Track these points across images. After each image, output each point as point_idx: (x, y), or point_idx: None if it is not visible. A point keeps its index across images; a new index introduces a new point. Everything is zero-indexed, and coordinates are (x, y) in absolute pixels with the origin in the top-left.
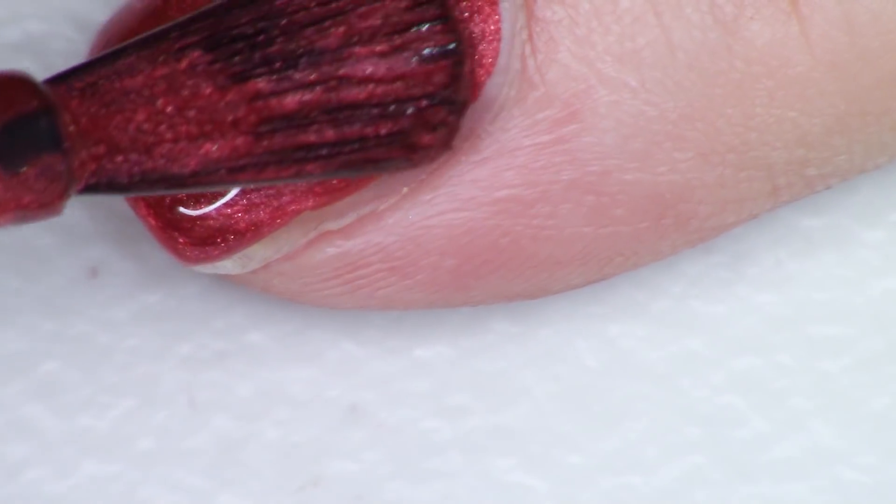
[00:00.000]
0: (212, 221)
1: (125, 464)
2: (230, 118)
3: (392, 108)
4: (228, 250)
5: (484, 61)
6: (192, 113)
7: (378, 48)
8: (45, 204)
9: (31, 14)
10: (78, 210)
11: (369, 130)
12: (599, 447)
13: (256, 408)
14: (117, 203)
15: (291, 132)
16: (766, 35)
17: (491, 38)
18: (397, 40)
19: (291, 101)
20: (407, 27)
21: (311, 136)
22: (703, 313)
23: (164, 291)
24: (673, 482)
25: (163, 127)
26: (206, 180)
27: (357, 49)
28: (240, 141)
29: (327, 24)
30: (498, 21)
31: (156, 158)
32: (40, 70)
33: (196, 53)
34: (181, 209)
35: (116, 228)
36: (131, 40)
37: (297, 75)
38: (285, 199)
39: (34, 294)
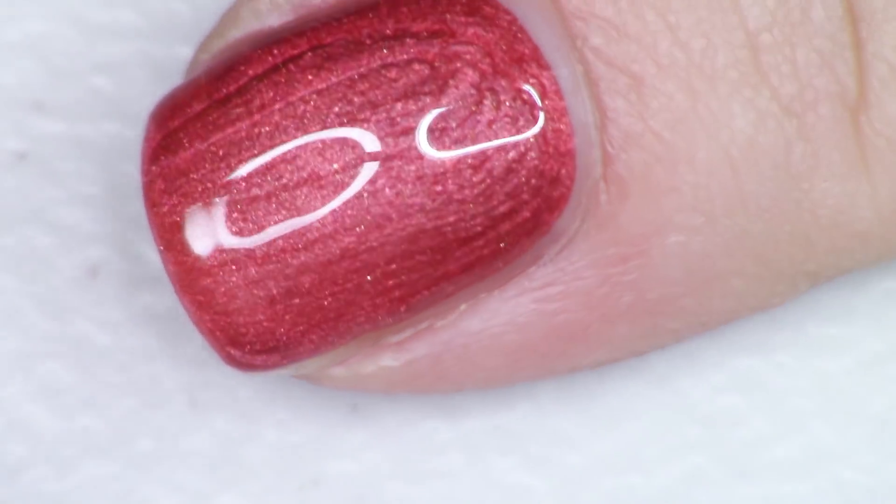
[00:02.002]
0: (274, 341)
1: (125, 464)
2: None
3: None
4: (283, 364)
5: (556, 199)
6: None
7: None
8: None
9: (31, 14)
10: (78, 210)
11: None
12: (599, 447)
13: (256, 408)
14: (117, 204)
15: None
16: (837, 194)
17: (565, 178)
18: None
19: None
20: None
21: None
22: None
23: (165, 291)
24: (673, 482)
25: None
26: None
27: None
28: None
29: None
30: (572, 163)
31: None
32: (40, 70)
33: None
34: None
35: (116, 229)
36: None
37: None
38: (349, 321)
39: (34, 294)
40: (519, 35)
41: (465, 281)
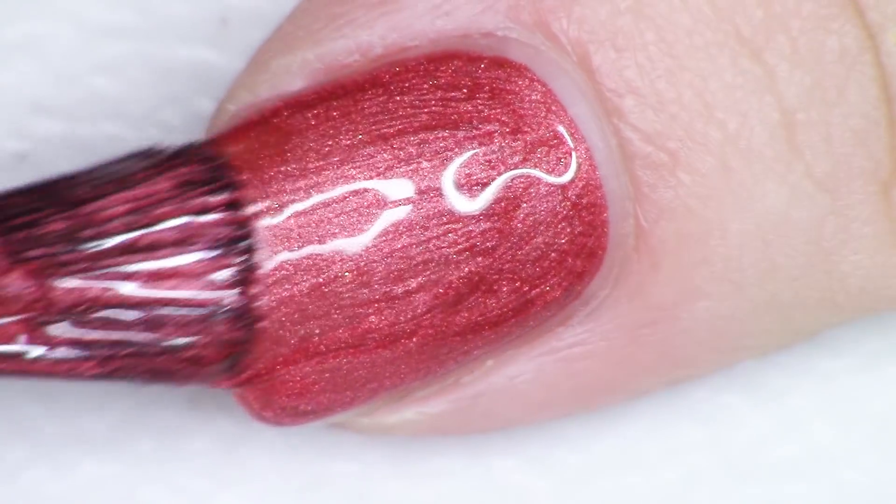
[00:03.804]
0: (306, 403)
1: (125, 464)
2: (9, 297)
3: (174, 318)
4: (313, 420)
5: (587, 272)
6: None
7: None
8: None
9: (31, 14)
10: None
11: (151, 338)
12: (599, 447)
13: None
14: None
15: (68, 327)
16: (868, 266)
17: (598, 250)
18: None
19: (69, 297)
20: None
21: (88, 336)
22: None
23: None
24: (673, 482)
25: None
26: None
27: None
28: (14, 328)
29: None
30: (605, 238)
31: None
32: (40, 70)
33: None
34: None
35: None
36: None
37: (77, 272)
38: (378, 385)
39: None
40: (553, 108)
41: (493, 348)
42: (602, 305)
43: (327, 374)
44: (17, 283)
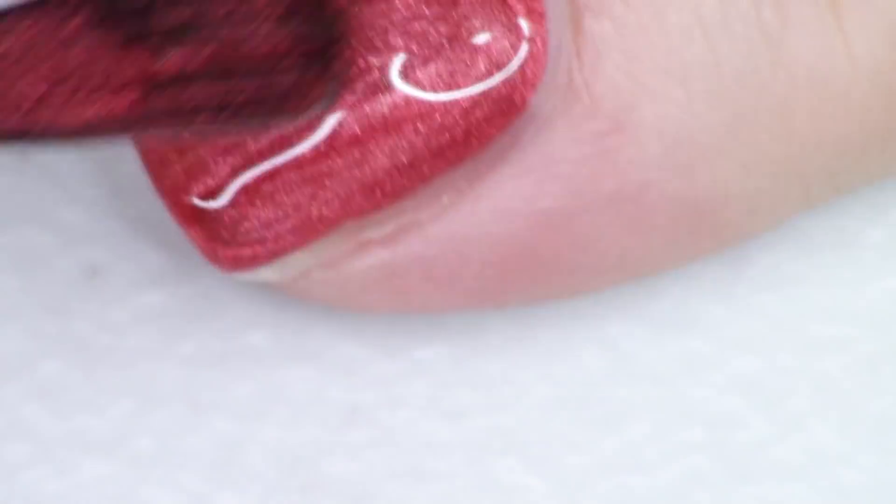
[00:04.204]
0: (252, 231)
1: (125, 464)
2: (118, 80)
3: (273, 65)
4: (267, 258)
5: (529, 76)
6: (77, 75)
7: (260, 20)
8: None
9: None
10: (78, 210)
11: (253, 86)
12: (599, 448)
13: (256, 408)
14: (117, 204)
15: (178, 90)
16: (812, 51)
17: (537, 53)
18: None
19: (176, 62)
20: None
21: (197, 94)
22: (703, 313)
23: (164, 291)
24: (673, 483)
25: (47, 88)
26: (94, 133)
27: (240, 20)
28: (130, 99)
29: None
30: (545, 36)
31: (40, 117)
32: None
33: (77, 21)
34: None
35: (116, 228)
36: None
37: (183, 41)
38: (325, 208)
39: (34, 294)
40: None
41: (441, 166)
42: (549, 122)
43: (268, 198)
44: (122, 62)
